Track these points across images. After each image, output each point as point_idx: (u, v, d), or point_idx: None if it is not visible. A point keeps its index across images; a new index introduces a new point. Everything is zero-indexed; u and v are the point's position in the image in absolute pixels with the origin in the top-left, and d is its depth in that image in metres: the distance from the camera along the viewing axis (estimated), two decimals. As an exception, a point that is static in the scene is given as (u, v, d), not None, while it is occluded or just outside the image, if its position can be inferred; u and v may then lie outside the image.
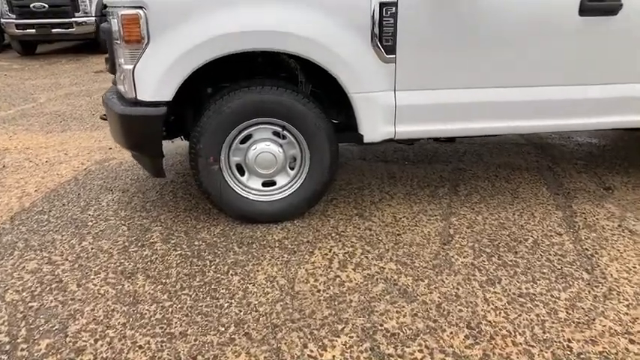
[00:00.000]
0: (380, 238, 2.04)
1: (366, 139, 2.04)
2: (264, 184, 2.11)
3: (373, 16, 1.83)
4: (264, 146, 2.01)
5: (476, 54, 1.95)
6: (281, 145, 2.04)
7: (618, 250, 2.00)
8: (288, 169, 2.10)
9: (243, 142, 2.02)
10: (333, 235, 2.07)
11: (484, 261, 1.88)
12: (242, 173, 2.08)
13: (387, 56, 1.90)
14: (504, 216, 2.29)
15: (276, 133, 2.03)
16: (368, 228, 2.14)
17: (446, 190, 2.59)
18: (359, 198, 2.48)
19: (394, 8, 1.83)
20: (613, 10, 1.95)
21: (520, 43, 1.96)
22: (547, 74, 2.04)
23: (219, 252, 1.92)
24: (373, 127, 2.02)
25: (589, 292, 1.70)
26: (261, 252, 1.92)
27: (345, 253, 1.92)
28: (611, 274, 1.82)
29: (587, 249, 2.01)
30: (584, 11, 1.93)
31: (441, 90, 2.00)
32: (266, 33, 1.77)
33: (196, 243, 1.99)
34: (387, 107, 2.00)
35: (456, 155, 3.17)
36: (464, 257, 1.90)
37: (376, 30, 1.85)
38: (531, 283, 1.74)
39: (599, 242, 2.06)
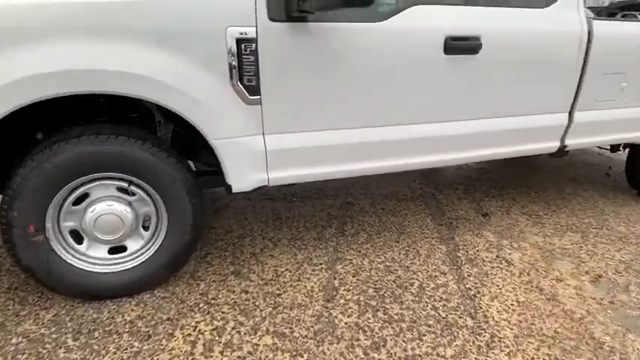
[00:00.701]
0: (257, 303, 1.79)
1: (234, 189, 1.79)
2: (112, 251, 1.73)
3: (230, 54, 1.60)
4: (106, 207, 1.64)
5: (347, 94, 1.82)
6: (129, 203, 1.70)
7: (498, 286, 2.00)
8: (142, 230, 1.76)
9: (77, 202, 1.64)
10: (201, 305, 1.76)
11: (369, 318, 1.73)
12: (80, 241, 1.69)
13: (251, 97, 1.68)
14: (390, 256, 2.20)
15: (122, 189, 1.68)
16: (244, 290, 1.88)
17: (333, 231, 2.44)
18: (238, 250, 2.20)
19: (254, 45, 1.62)
20: (474, 49, 1.97)
21: (390, 83, 1.88)
22: (419, 112, 2.00)
23: (44, 351, 1.49)
24: (242, 175, 1.78)
25: (473, 342, 1.64)
26: (103, 343, 1.54)
27: (213, 329, 1.63)
28: (493, 317, 1.79)
29: (469, 288, 1.98)
30: (448, 50, 1.92)
31: (314, 132, 1.84)
32: (88, 73, 1.42)
33: (14, 341, 1.53)
34: (256, 153, 1.77)
35: (345, 187, 3.08)
36: (348, 316, 1.73)
37: (235, 69, 1.62)
38: (417, 341, 1.62)
39: (481, 279, 2.05)
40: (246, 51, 1.62)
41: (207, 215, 2.55)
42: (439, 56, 1.92)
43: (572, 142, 2.53)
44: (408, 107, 1.96)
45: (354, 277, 2.00)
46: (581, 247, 2.43)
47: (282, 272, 2.01)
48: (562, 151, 2.54)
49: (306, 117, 1.81)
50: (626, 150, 3.07)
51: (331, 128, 1.86)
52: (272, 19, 1.63)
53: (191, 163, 1.99)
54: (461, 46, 1.96)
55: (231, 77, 1.63)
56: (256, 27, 1.61)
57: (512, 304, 1.88)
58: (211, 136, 1.67)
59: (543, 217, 2.78)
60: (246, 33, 1.60)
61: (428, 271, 2.09)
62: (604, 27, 2.35)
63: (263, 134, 1.77)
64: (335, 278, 1.99)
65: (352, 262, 2.13)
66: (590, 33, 2.29)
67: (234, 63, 1.62)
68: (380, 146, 1.96)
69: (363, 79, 1.82)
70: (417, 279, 2.02)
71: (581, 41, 2.27)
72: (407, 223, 2.57)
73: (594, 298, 1.97)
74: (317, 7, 1.54)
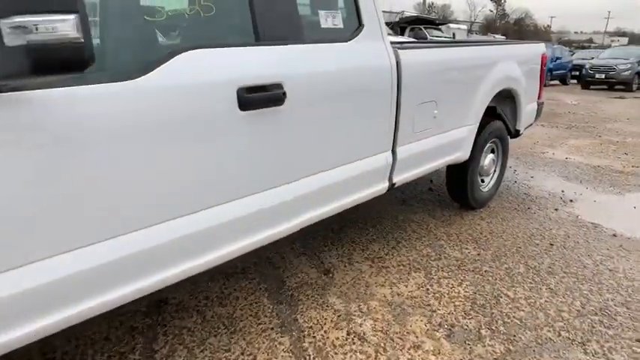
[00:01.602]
0: None
1: None
2: None
3: None
4: None
5: (94, 190, 1.20)
6: None
7: (356, 383, 1.65)
8: None
9: None
10: None
11: None
12: None
13: None
14: (221, 379, 1.66)
15: None
16: None
17: (136, 358, 1.77)
18: None
19: None
20: (278, 99, 1.58)
21: (163, 162, 1.33)
22: (217, 192, 1.50)
23: None
24: None
25: None
26: None
27: None
28: None
29: (324, 399, 1.57)
30: (244, 105, 1.47)
31: (55, 256, 1.17)
32: None
33: None
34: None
35: (156, 272, 2.39)
36: None
37: None
38: None
39: (335, 379, 1.67)
40: None
41: None
42: (234, 114, 1.46)
43: (400, 179, 2.38)
44: (199, 189, 1.44)
45: None
46: (428, 289, 2.29)
47: None
48: (392, 189, 2.37)
49: (33, 239, 1.13)
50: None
51: (84, 244, 1.22)
52: None
53: None
54: (261, 98, 1.53)
55: None
56: None
57: (375, 410, 1.53)
58: None
59: (385, 258, 2.60)
60: None
61: (271, 388, 1.61)
62: (411, 56, 2.24)
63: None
64: None
65: (165, 410, 1.51)
66: (398, 64, 2.14)
67: None
68: (163, 249, 1.39)
69: (116, 164, 1.23)
70: (258, 409, 1.52)
71: (391, 73, 2.10)
72: (239, 313, 2.06)
73: (454, 362, 1.77)
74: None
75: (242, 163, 1.54)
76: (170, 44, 1.50)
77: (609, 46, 24.71)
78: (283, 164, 1.69)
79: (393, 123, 2.21)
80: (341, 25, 1.93)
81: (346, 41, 1.92)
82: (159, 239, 1.34)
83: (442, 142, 2.63)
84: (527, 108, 3.59)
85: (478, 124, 2.94)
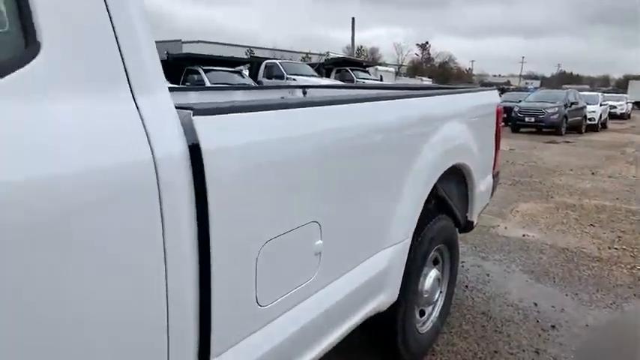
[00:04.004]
0: None
1: None
2: None
3: None
4: None
5: None
6: None
7: None
8: None
9: None
10: None
11: None
12: None
13: None
14: None
15: None
16: None
17: None
18: None
19: None
20: None
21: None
22: None
23: None
24: None
25: None
26: None
27: None
28: None
29: None
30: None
31: None
32: None
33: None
34: None
35: None
36: None
37: None
38: None
39: None
40: None
41: None
42: None
43: None
44: None
45: None
46: None
47: None
48: None
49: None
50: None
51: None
52: None
53: None
54: None
55: None
56: None
57: None
58: None
59: None
60: None
61: None
62: (234, 130, 0.91)
63: None
64: None
65: None
66: (197, 151, 0.81)
67: None
68: None
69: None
70: None
71: (158, 188, 0.75)
72: None
73: None
74: None
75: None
76: None
77: (526, 89, 25.93)
78: None
79: (194, 307, 0.84)
80: None
81: None
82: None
83: (338, 297, 1.30)
84: (482, 186, 2.43)
85: (412, 237, 1.66)
